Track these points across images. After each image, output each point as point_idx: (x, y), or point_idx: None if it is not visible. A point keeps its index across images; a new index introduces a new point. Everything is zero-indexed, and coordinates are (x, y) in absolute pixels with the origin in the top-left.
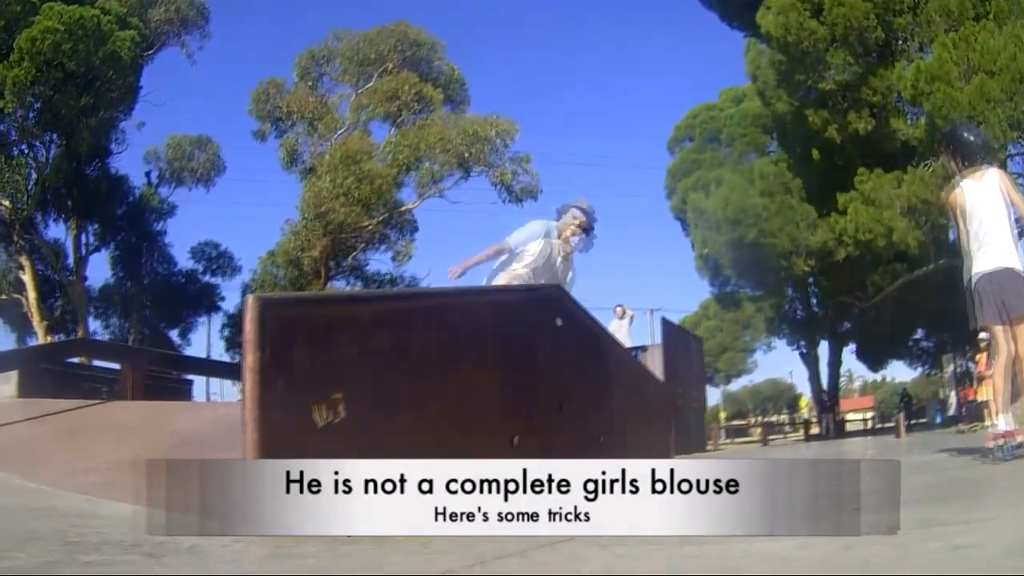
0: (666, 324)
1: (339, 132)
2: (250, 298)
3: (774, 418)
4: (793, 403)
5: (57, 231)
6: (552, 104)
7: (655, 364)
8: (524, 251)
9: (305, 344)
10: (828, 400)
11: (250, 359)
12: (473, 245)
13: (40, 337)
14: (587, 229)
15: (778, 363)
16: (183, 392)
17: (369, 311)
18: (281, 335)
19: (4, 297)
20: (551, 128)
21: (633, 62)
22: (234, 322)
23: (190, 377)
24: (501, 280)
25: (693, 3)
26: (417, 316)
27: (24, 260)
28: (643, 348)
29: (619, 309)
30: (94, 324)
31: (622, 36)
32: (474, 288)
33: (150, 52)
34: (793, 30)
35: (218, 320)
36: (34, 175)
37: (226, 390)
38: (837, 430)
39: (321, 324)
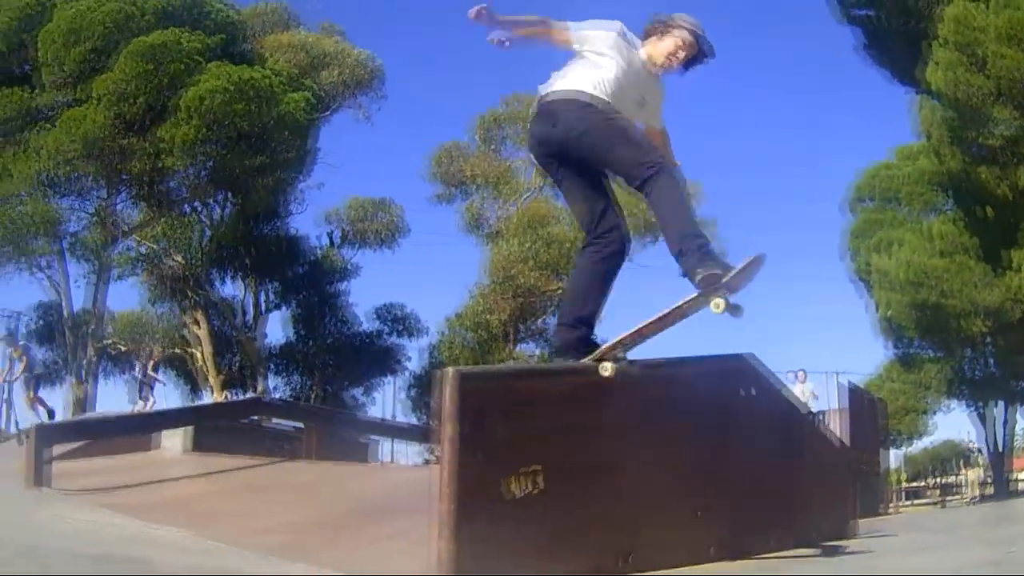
0: (851, 388)
1: (526, 195)
2: (449, 370)
3: (951, 478)
4: (968, 464)
5: (233, 288)
6: (730, 170)
7: (838, 428)
8: (601, 54)
9: (501, 417)
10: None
11: (448, 430)
12: (658, 307)
13: (215, 392)
14: (693, 60)
15: (958, 425)
16: (363, 453)
17: (563, 385)
18: (479, 408)
19: (176, 352)
20: (729, 192)
21: (805, 118)
22: (419, 383)
23: (372, 438)
24: (585, 85)
25: (852, 60)
26: (609, 389)
27: (199, 315)
28: (824, 413)
29: (801, 374)
30: (274, 380)
31: (781, 94)
32: (669, 360)
33: (324, 114)
34: (960, 86)
35: (401, 381)
36: (209, 232)
37: (408, 451)
38: (1007, 490)
39: (517, 398)
